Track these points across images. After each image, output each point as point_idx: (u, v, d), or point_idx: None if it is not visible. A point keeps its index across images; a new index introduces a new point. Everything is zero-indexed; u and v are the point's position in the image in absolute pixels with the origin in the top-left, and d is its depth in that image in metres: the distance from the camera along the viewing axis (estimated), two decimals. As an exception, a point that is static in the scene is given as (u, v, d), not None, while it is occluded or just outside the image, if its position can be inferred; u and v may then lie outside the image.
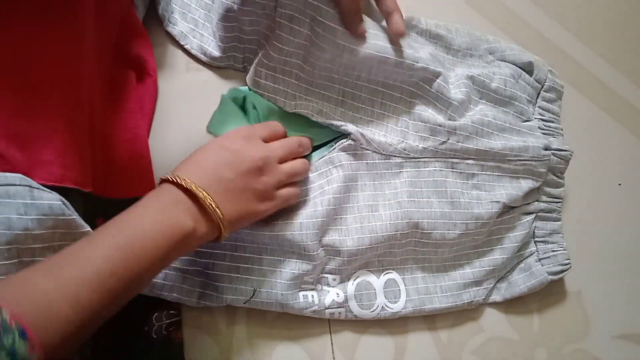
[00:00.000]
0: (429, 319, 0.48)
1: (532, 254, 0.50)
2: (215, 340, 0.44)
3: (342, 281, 0.46)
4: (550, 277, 0.49)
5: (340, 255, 0.45)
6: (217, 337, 0.44)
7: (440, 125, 0.48)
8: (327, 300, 0.45)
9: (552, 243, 0.51)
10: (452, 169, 0.49)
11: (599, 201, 0.55)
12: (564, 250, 0.50)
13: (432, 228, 0.47)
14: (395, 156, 0.47)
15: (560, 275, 0.49)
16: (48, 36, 0.36)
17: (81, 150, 0.38)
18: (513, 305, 0.50)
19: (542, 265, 0.49)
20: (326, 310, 0.45)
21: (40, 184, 0.34)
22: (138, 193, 0.44)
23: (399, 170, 0.48)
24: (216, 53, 0.49)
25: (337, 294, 0.46)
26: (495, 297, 0.50)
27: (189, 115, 0.49)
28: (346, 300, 0.46)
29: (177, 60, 0.50)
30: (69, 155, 0.37)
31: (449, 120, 0.49)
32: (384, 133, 0.48)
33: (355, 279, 0.46)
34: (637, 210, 0.55)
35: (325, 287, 0.46)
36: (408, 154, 0.48)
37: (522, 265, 0.50)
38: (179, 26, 0.50)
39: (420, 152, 0.48)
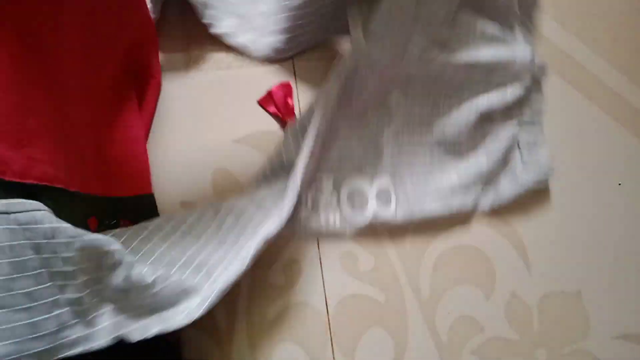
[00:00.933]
0: (429, 319, 0.48)
1: (516, 162, 0.51)
2: (215, 340, 0.44)
3: (335, 183, 0.47)
4: (534, 183, 0.50)
5: (331, 150, 0.47)
6: (217, 337, 0.44)
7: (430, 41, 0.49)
8: (321, 203, 0.46)
9: (536, 151, 0.51)
10: (438, 78, 0.50)
11: (599, 201, 0.55)
12: (547, 158, 0.51)
13: (406, 123, 0.50)
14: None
15: (544, 182, 0.51)
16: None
17: (68, 148, 0.38)
18: (513, 304, 0.50)
19: (526, 172, 0.50)
20: (321, 215, 0.46)
21: (34, 183, 0.33)
22: (136, 192, 0.43)
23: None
24: (266, 50, 0.50)
25: (330, 196, 0.47)
26: (484, 205, 0.51)
27: (190, 117, 0.49)
28: (339, 202, 0.47)
29: (181, 62, 0.50)
30: (58, 153, 0.36)
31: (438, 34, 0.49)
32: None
33: (348, 185, 0.47)
34: (637, 210, 0.55)
35: (318, 191, 0.47)
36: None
37: (507, 172, 0.51)
38: (225, 23, 0.51)
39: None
